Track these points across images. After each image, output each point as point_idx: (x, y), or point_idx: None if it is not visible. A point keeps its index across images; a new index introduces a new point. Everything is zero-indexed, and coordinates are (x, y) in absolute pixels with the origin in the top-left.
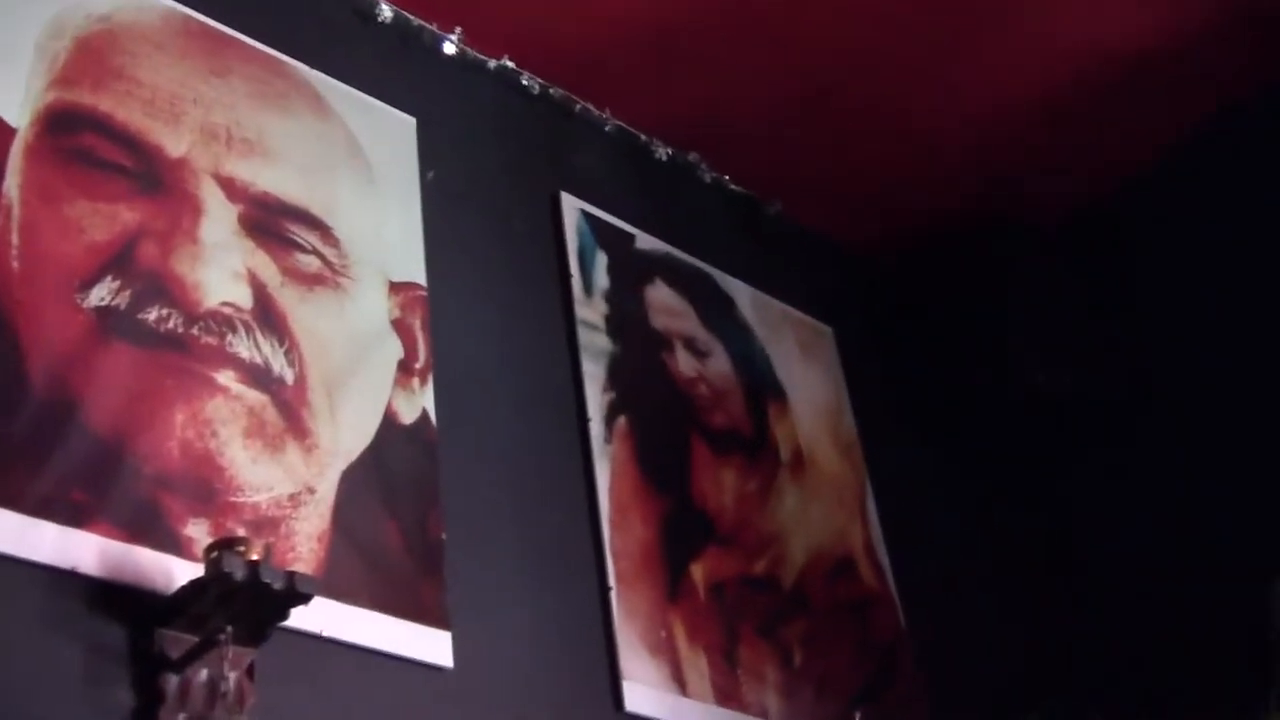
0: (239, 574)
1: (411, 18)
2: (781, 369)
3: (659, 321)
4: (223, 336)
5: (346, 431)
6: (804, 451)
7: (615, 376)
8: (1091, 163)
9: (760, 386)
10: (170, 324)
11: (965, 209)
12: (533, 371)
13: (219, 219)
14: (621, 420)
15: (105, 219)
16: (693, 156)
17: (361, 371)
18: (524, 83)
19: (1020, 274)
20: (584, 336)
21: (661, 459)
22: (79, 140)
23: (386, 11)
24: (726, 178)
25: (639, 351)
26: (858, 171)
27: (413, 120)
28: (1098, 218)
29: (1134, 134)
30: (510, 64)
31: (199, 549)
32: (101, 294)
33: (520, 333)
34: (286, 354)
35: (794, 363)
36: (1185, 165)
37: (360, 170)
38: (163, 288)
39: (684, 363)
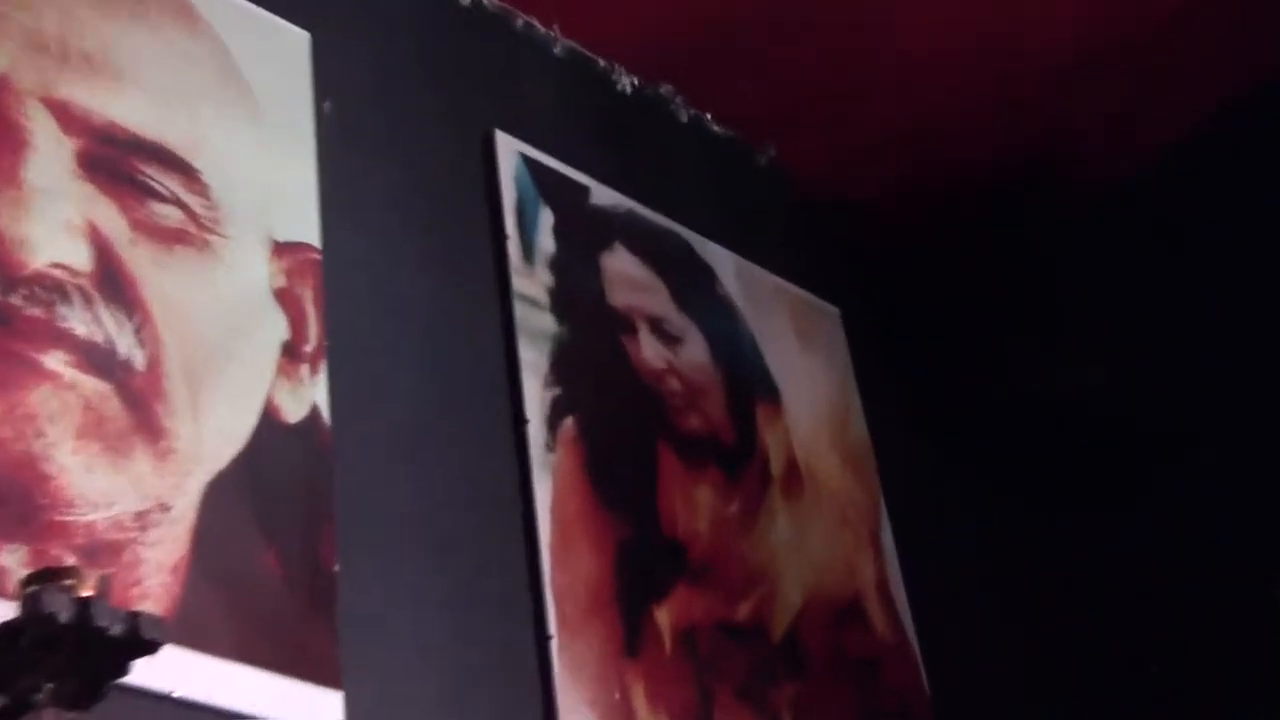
0: (64, 615)
1: None
2: (774, 360)
3: (619, 298)
4: (52, 307)
5: (213, 432)
6: (801, 464)
7: (561, 367)
8: (1151, 117)
9: (746, 382)
10: None
11: (1002, 164)
12: (456, 359)
13: (50, 157)
14: (569, 423)
15: None
16: (665, 89)
17: (234, 356)
18: None
19: (1069, 244)
20: (522, 315)
21: (619, 472)
22: None
23: None
24: (708, 116)
25: (592, 335)
26: (872, 114)
27: (306, 36)
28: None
29: (1194, 90)
30: None
31: (12, 582)
32: None
33: (440, 310)
34: (136, 331)
35: (791, 352)
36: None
37: (237, 98)
38: None
39: (650, 350)
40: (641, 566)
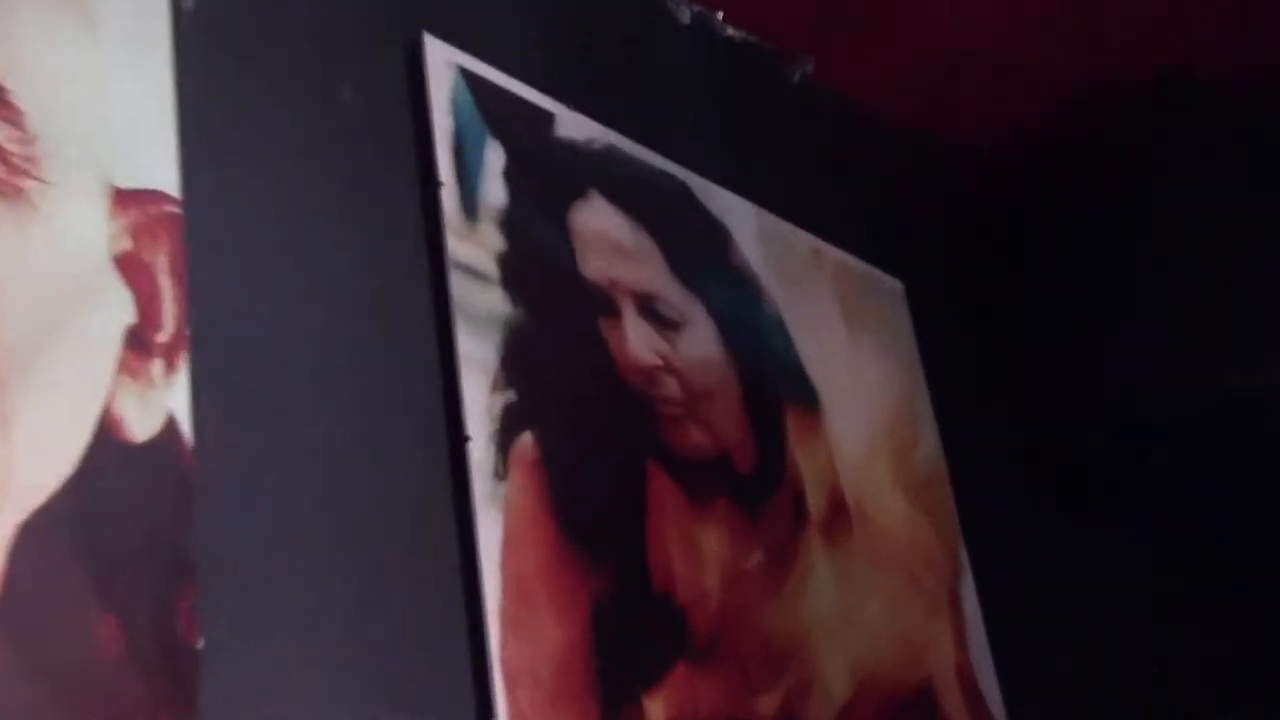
0: None
1: None
2: (812, 352)
3: (596, 267)
4: None
5: (26, 454)
6: (850, 497)
7: (516, 364)
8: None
9: (772, 382)
10: None
11: (1124, 85)
12: (370, 354)
13: None
14: (526, 440)
15: None
16: None
17: (57, 348)
18: None
19: (1222, 189)
20: (462, 292)
21: (595, 508)
22: None
23: None
24: (719, 15)
25: (559, 320)
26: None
27: None
28: None
29: None
30: None
31: None
32: None
33: (348, 285)
34: None
35: (835, 342)
36: None
37: None
38: None
39: (639, 340)
40: (626, 639)
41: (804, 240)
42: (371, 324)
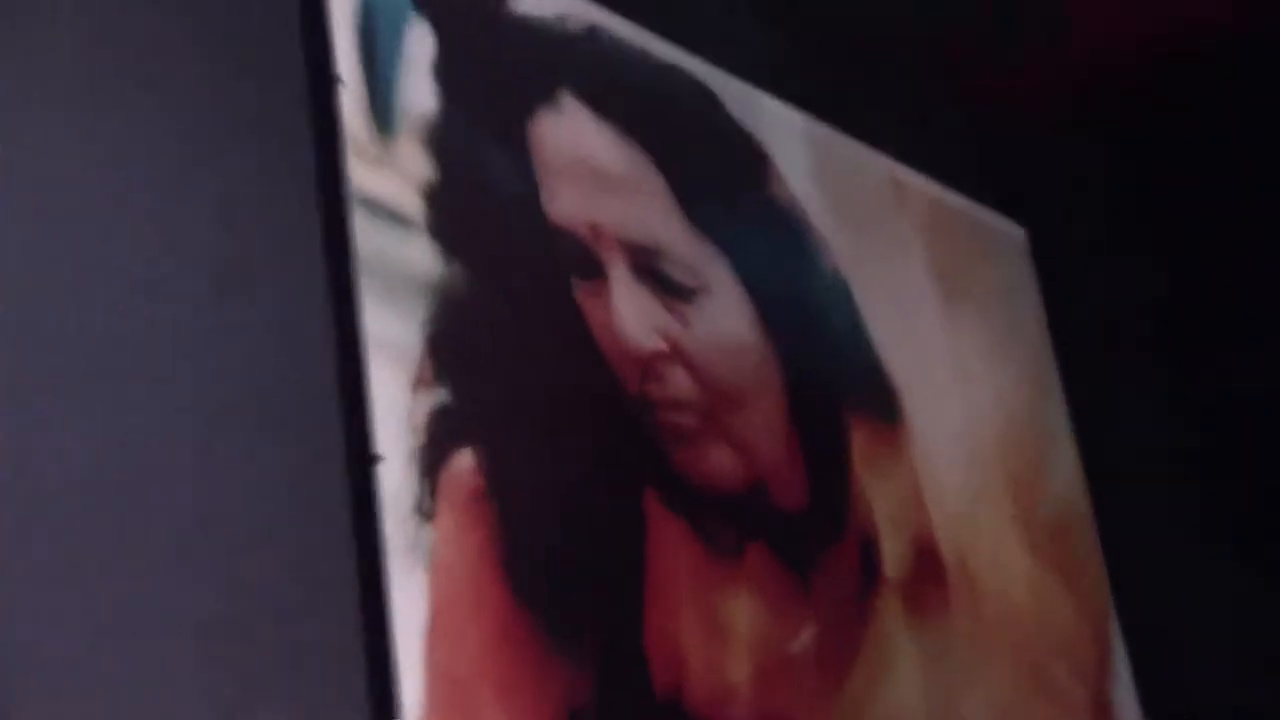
0: None
1: None
2: (891, 334)
3: (570, 206)
4: None
5: None
6: (945, 548)
7: (449, 349)
8: None
9: (830, 379)
10: None
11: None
12: (228, 337)
13: None
14: (463, 463)
15: None
16: None
17: None
18: None
19: None
20: (370, 243)
21: (567, 566)
22: None
23: None
24: None
25: (513, 285)
26: None
27: None
28: None
29: None
30: None
31: None
32: None
33: (202, 234)
34: None
35: (925, 319)
36: None
37: None
38: None
39: (633, 315)
40: None
41: (881, 169)
42: (235, 294)
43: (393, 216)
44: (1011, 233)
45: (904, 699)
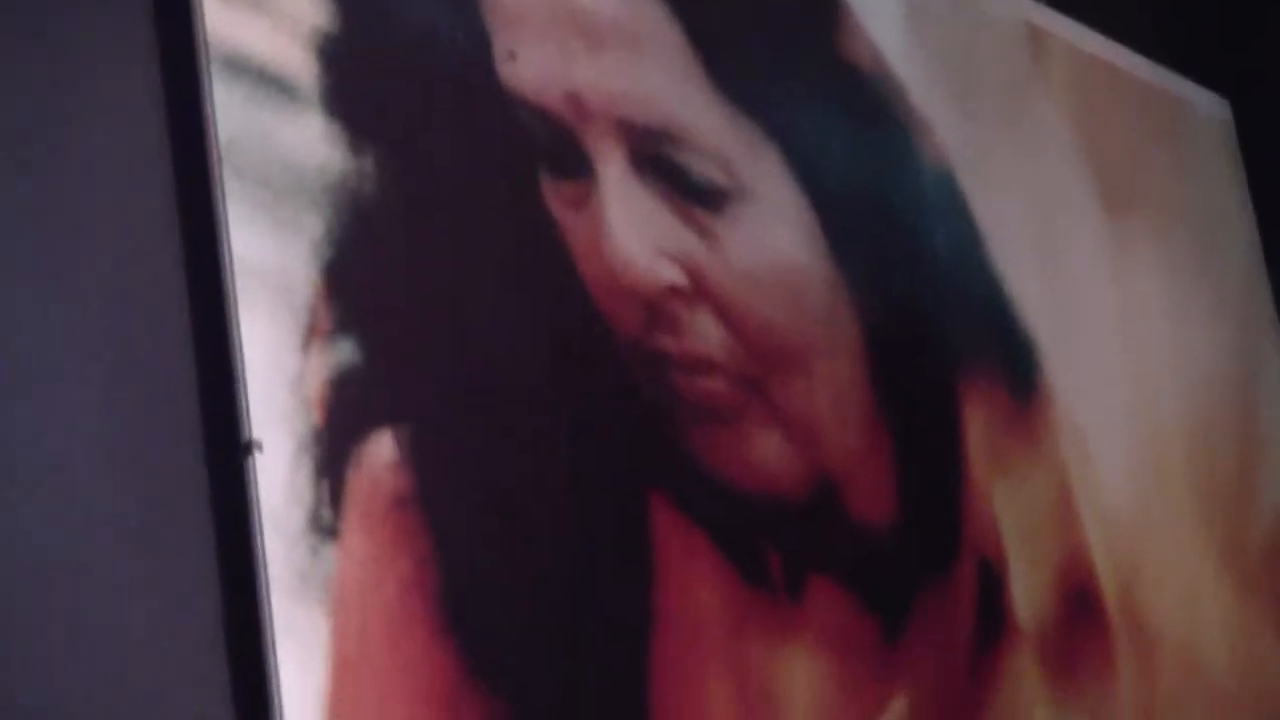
0: None
1: None
2: (1024, 258)
3: (540, 69)
4: None
5: None
6: (1107, 582)
7: (358, 284)
8: None
9: (931, 327)
10: None
11: None
12: (33, 266)
13: None
14: (380, 451)
15: None
16: None
17: None
18: None
19: None
20: (236, 123)
21: (524, 615)
22: None
23: None
24: None
25: (454, 187)
26: None
27: None
28: None
29: None
30: None
31: None
32: None
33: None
34: None
35: (1076, 234)
36: None
37: None
38: None
39: (634, 231)
40: None
41: (1011, 12)
42: (41, 196)
43: (270, 83)
44: (1209, 108)
45: None
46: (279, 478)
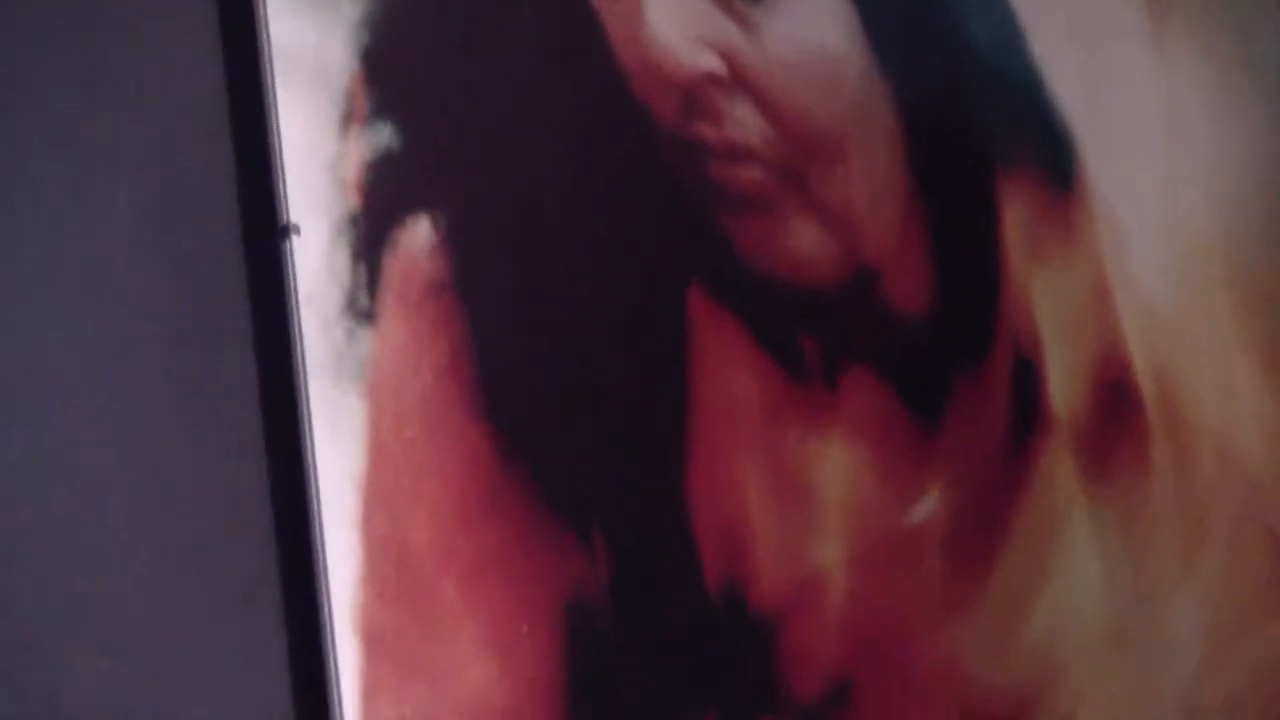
0: None
1: None
2: (1063, 51)
3: None
4: None
5: None
6: (1144, 377)
7: (396, 67)
8: None
9: (969, 119)
10: None
11: None
12: (79, 47)
13: None
14: (417, 237)
15: None
16: None
17: None
18: None
19: None
20: None
21: (561, 400)
22: None
23: None
24: None
25: None
26: None
27: None
28: None
29: None
30: None
31: None
32: None
33: None
34: None
35: (1115, 24)
36: None
37: None
38: None
39: (673, 17)
40: (638, 687)
41: None
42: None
43: None
44: None
45: (1078, 599)
46: (316, 261)
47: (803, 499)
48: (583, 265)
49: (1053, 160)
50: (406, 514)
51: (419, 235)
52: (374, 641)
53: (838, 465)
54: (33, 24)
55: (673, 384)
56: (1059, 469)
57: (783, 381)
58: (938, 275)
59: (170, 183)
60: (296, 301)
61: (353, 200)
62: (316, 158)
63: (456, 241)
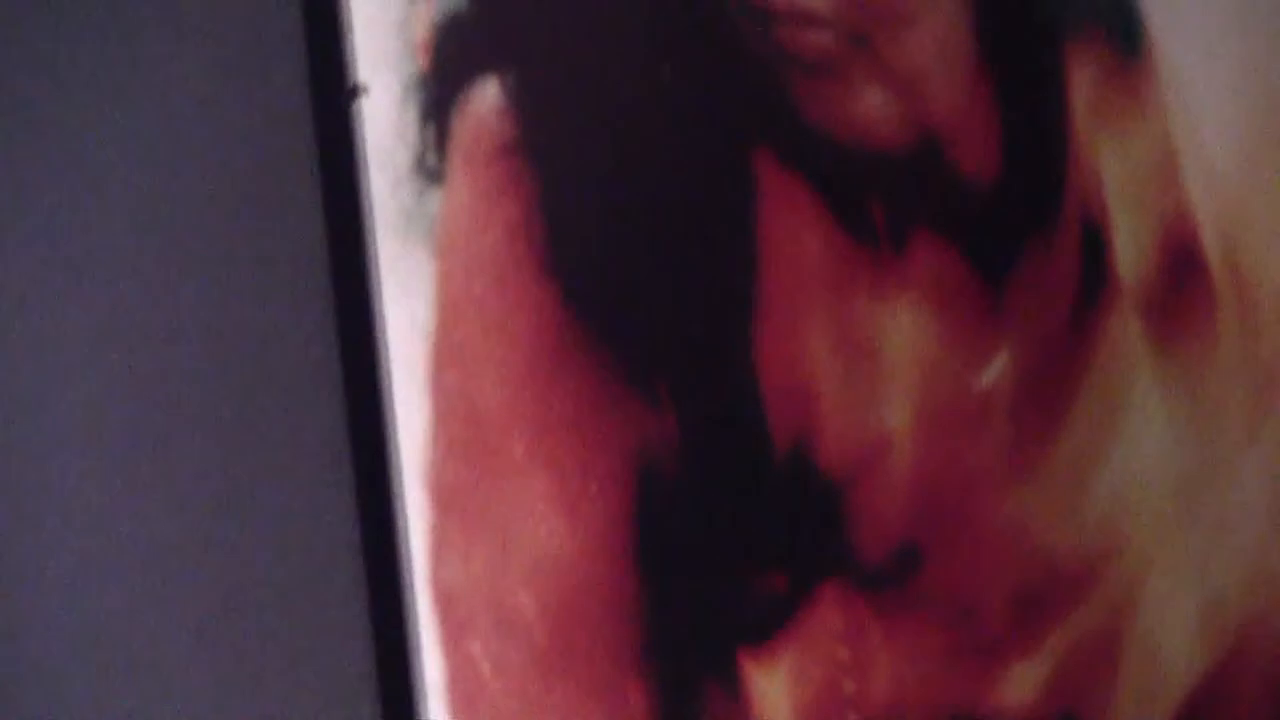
0: None
1: None
2: None
3: None
4: None
5: None
6: (1210, 243)
7: None
8: None
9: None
10: None
11: None
12: None
13: None
14: (485, 99)
15: None
16: None
17: None
18: None
19: None
20: None
21: (628, 262)
22: None
23: None
24: None
25: None
26: None
27: None
28: None
29: None
30: None
31: None
32: None
33: None
34: None
35: None
36: None
37: None
38: None
39: None
40: (708, 544)
41: None
42: None
43: None
44: None
45: (1144, 462)
46: (385, 121)
47: (870, 362)
48: (651, 128)
49: (1121, 27)
50: (476, 372)
51: (487, 96)
52: (443, 498)
53: (905, 329)
54: None
55: (741, 247)
56: (1126, 335)
57: (850, 245)
58: (1005, 141)
59: (239, 44)
60: (365, 161)
61: (421, 60)
62: (385, 19)
63: (524, 103)
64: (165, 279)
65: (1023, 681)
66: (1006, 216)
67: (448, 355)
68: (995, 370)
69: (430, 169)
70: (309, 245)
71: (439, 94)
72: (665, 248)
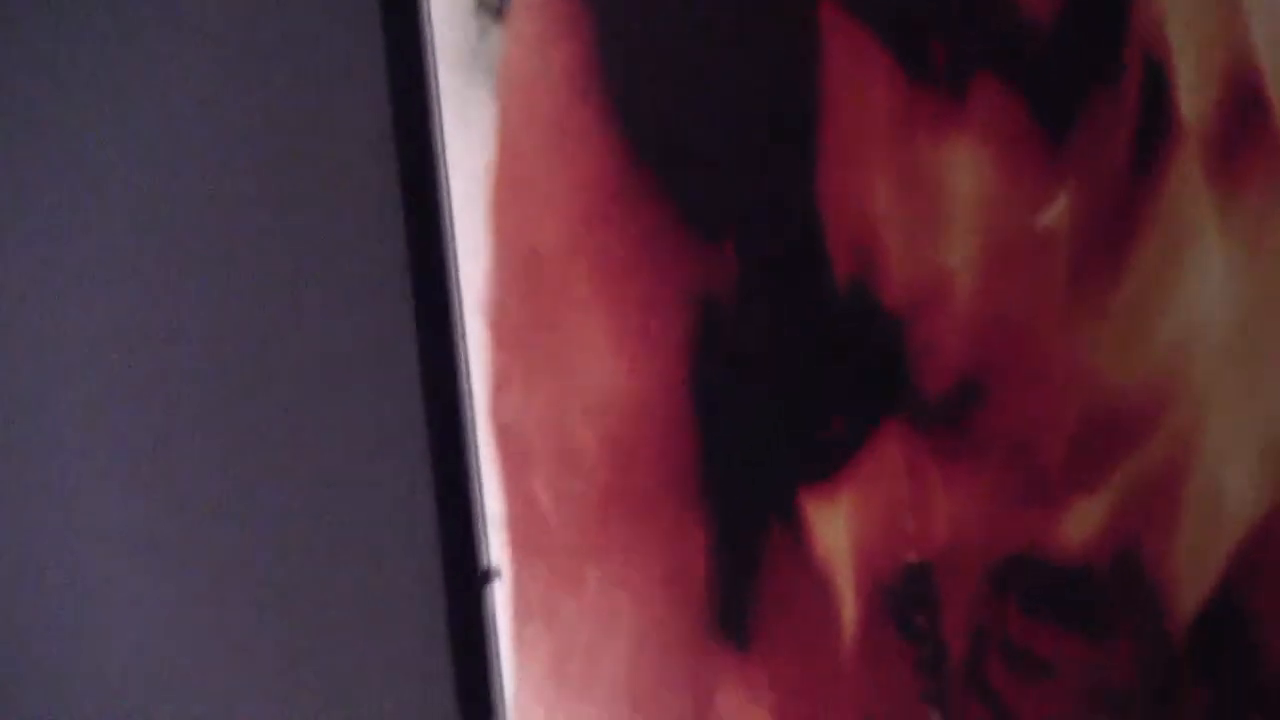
0: None
1: None
2: None
3: None
4: None
5: None
6: (1271, 90)
7: None
8: None
9: None
10: None
11: None
12: None
13: None
14: None
15: None
16: None
17: None
18: None
19: None
20: None
21: (689, 101)
22: None
23: None
24: None
25: None
26: None
27: None
28: None
29: None
30: None
31: None
32: None
33: None
34: None
35: None
36: None
37: None
38: None
39: None
40: (767, 382)
41: None
42: None
43: None
44: None
45: (1204, 307)
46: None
47: (931, 202)
48: None
49: None
50: (536, 210)
51: None
52: (504, 334)
53: (966, 168)
54: None
55: (803, 90)
56: (1188, 177)
57: (911, 85)
58: None
59: None
60: (428, 6)
61: None
62: None
63: None
64: (235, 91)
65: (1083, 520)
66: (1068, 56)
67: (508, 192)
68: (1055, 211)
69: (492, 6)
70: (370, 80)
71: None
72: (728, 92)
